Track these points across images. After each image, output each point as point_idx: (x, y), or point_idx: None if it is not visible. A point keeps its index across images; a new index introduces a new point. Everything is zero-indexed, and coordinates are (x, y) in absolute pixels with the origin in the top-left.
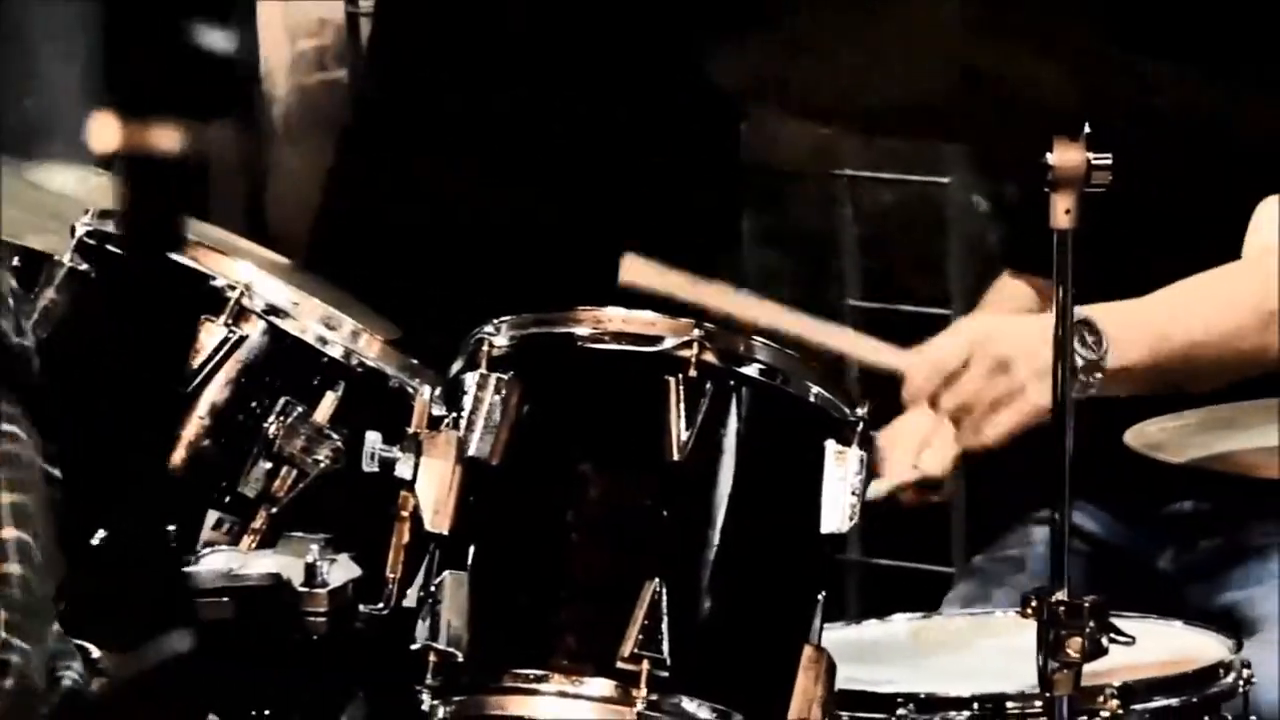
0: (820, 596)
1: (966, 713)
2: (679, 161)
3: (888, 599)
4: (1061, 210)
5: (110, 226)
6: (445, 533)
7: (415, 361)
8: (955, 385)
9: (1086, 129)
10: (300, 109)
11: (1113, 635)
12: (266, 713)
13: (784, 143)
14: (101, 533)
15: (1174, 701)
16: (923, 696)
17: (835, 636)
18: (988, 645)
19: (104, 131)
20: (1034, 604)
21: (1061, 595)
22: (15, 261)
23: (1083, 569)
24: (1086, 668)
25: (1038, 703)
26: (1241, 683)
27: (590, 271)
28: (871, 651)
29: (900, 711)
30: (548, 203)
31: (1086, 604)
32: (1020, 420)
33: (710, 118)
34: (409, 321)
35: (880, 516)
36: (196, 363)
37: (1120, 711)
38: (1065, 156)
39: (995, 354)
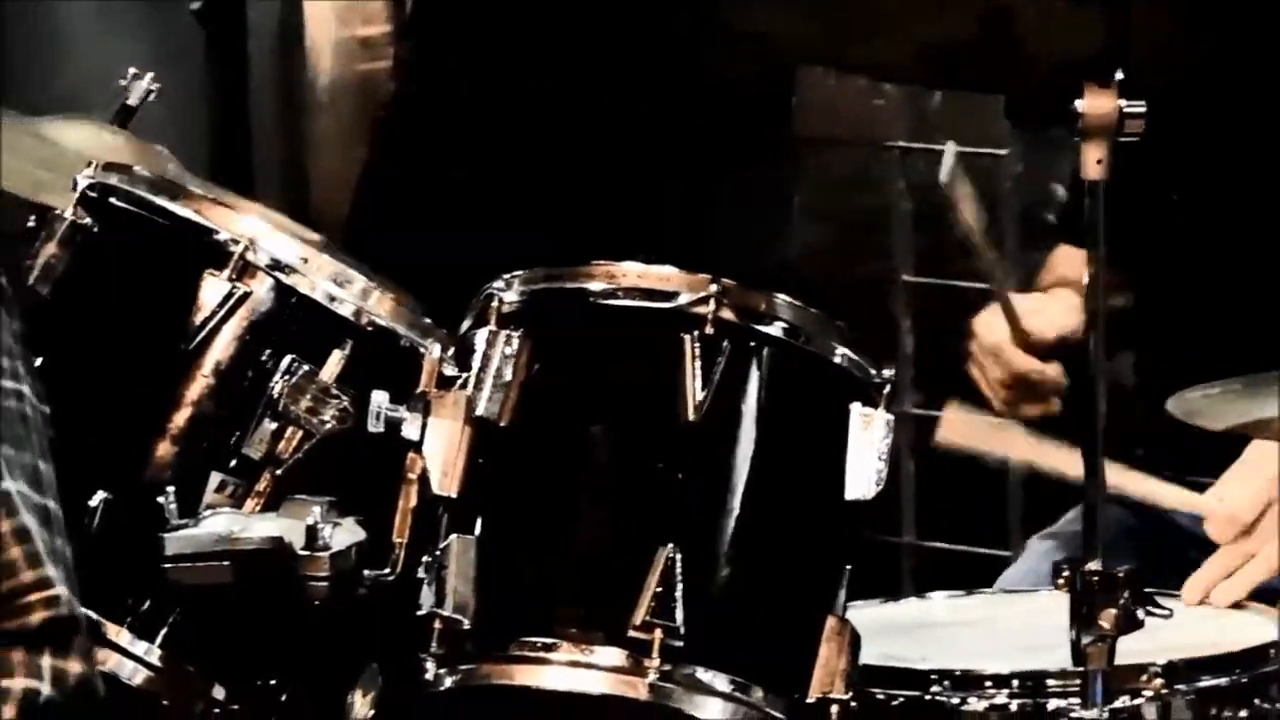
0: (846, 567)
1: (1006, 690)
2: (730, 136)
3: (943, 584)
4: (1093, 160)
5: (114, 179)
6: (453, 496)
7: (429, 321)
8: (1259, 529)
9: (1119, 75)
10: (348, 91)
11: (1150, 608)
12: (273, 682)
13: (834, 115)
14: (101, 494)
15: (1222, 681)
16: (958, 673)
17: (872, 614)
18: (1031, 623)
19: None
20: (1066, 575)
21: (1095, 565)
22: (31, 220)
23: (1135, 547)
24: (1130, 646)
25: (1079, 680)
26: None
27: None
28: (910, 629)
29: (934, 689)
30: (600, 181)
31: (1121, 574)
32: None
33: (760, 91)
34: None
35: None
36: (198, 320)
37: (1165, 691)
38: (1096, 104)
39: None
